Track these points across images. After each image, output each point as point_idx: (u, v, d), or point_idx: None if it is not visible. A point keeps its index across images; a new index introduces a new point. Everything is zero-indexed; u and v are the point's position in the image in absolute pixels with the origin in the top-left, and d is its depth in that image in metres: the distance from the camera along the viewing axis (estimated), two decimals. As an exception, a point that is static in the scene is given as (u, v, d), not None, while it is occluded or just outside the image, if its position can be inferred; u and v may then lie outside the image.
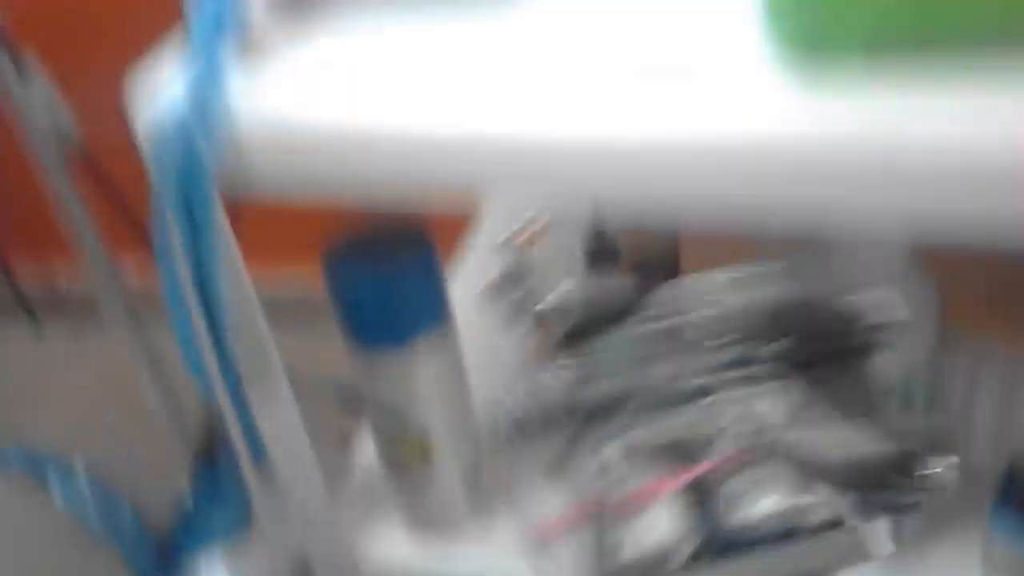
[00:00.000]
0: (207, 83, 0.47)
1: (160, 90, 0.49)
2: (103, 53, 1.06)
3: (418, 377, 0.59)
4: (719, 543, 0.21)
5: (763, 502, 0.19)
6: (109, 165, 1.06)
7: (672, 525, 0.20)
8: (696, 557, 0.20)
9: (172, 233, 0.52)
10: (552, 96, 0.46)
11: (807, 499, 0.20)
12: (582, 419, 0.23)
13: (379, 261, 0.61)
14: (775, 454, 0.21)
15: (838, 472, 0.22)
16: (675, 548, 0.20)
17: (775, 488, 0.20)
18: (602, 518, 0.21)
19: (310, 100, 0.48)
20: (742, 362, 0.24)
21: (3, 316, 1.47)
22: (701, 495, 0.21)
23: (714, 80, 0.45)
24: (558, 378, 0.25)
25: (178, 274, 0.53)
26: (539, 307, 0.63)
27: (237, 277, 0.55)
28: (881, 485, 0.22)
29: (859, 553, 0.20)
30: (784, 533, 0.20)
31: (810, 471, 0.22)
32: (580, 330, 0.57)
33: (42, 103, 0.92)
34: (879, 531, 0.20)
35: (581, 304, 0.72)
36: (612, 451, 0.22)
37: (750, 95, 0.44)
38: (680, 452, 0.21)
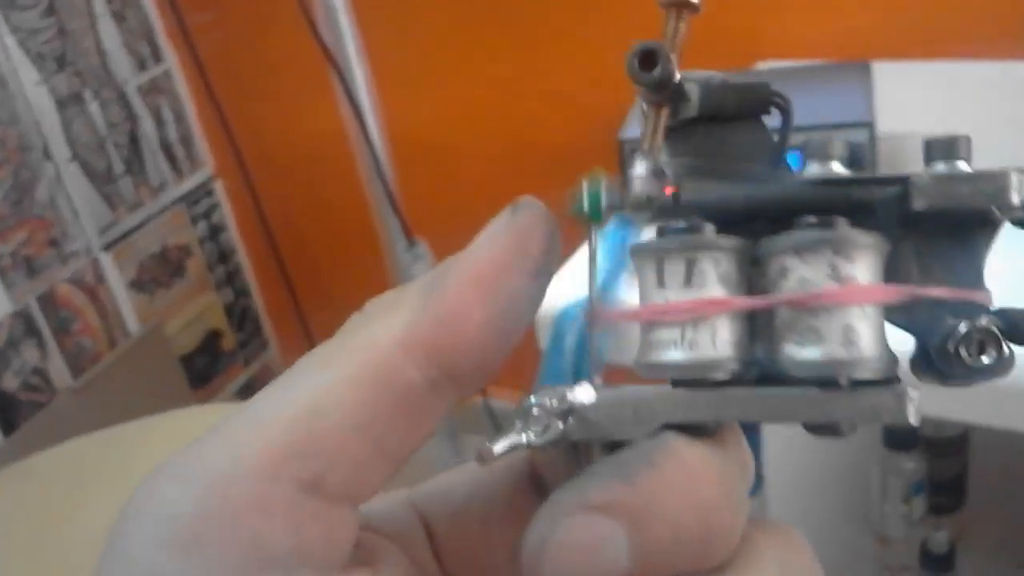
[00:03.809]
0: (606, 288, 0.72)
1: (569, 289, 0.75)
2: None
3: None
4: (760, 372, 0.23)
5: (812, 349, 0.21)
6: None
7: (724, 343, 0.22)
8: (736, 378, 0.22)
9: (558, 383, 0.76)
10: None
11: (856, 354, 0.21)
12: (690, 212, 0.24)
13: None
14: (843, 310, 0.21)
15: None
16: (719, 363, 0.22)
17: (830, 339, 0.21)
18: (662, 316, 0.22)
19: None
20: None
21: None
22: (759, 325, 0.22)
23: None
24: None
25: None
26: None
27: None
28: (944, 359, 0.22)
29: (887, 414, 0.21)
30: (823, 382, 0.21)
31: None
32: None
33: (422, 262, 1.25)
34: (914, 400, 0.21)
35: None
36: (701, 255, 0.22)
37: None
38: (756, 278, 0.23)
